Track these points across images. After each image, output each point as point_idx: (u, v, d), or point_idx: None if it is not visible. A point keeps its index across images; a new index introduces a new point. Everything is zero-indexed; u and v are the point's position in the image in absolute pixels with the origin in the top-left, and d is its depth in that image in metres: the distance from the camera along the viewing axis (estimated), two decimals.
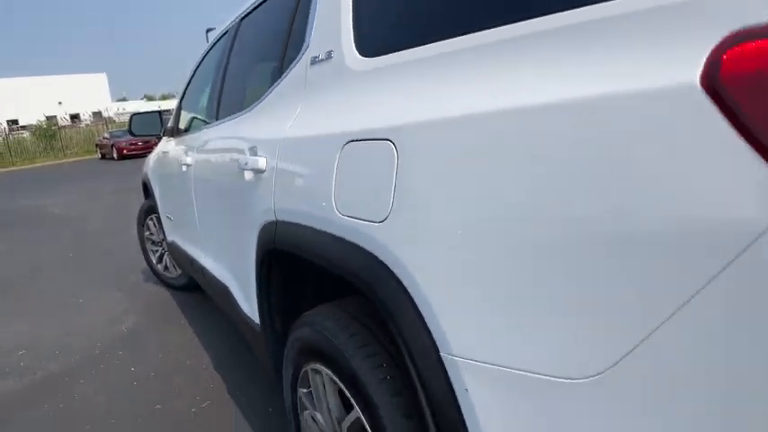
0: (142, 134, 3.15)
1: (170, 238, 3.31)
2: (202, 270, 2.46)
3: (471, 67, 0.79)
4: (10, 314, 3.78)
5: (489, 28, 0.77)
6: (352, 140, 0.99)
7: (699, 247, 0.51)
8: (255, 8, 1.96)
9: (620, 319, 0.58)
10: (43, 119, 29.03)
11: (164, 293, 3.88)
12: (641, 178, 0.55)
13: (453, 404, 0.78)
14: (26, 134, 26.90)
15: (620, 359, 0.58)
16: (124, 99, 67.91)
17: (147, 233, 4.06)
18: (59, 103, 46.33)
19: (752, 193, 0.48)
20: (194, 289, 3.61)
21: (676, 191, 0.53)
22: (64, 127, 28.93)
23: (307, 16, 1.40)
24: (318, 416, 1.33)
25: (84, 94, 49.11)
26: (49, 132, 25.97)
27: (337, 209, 1.02)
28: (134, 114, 3.12)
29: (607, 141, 0.58)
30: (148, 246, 4.09)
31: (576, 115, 0.61)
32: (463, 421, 0.77)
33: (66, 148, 25.76)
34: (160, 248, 3.96)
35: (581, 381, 0.62)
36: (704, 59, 0.51)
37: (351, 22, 1.18)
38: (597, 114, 0.59)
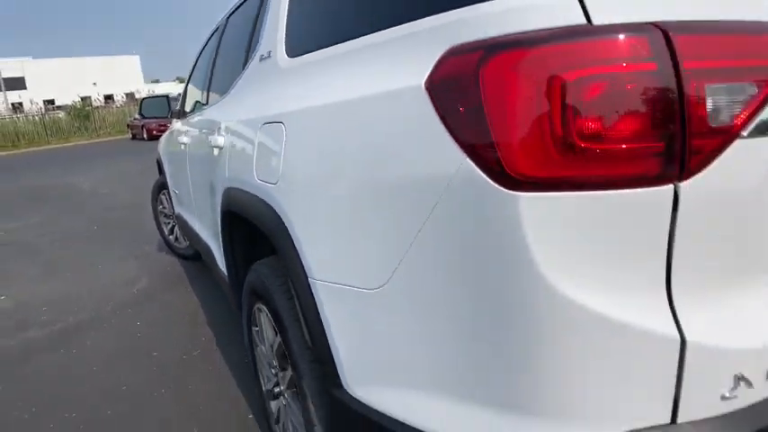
0: (151, 116, 3.50)
1: (177, 210, 3.67)
2: (196, 235, 2.80)
3: (329, 69, 1.09)
4: (37, 277, 4.22)
5: (336, 44, 1.07)
6: (266, 122, 1.30)
7: (423, 192, 0.79)
8: (236, 9, 2.27)
9: (389, 246, 0.87)
10: (78, 99, 30.04)
11: (173, 262, 4.26)
12: (398, 146, 0.83)
13: (317, 315, 1.08)
14: (61, 114, 27.80)
15: (392, 275, 0.87)
16: (157, 81, 69.18)
17: (160, 207, 4.44)
18: (94, 84, 47.73)
19: (445, 155, 0.75)
20: (200, 258, 3.97)
21: (415, 154, 0.81)
22: (97, 107, 29.84)
23: (262, 22, 1.69)
24: (263, 348, 1.65)
25: (117, 76, 50.42)
26: (83, 113, 26.86)
27: (256, 175, 1.32)
28: (144, 98, 3.47)
29: (380, 121, 0.87)
30: (161, 218, 4.47)
31: (360, 106, 0.90)
32: (323, 328, 1.07)
33: (100, 128, 26.63)
34: (171, 221, 4.33)
35: (374, 290, 0.91)
36: (430, 69, 0.78)
37: (284, 29, 1.46)
38: (373, 105, 0.88)
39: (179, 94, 3.69)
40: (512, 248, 0.69)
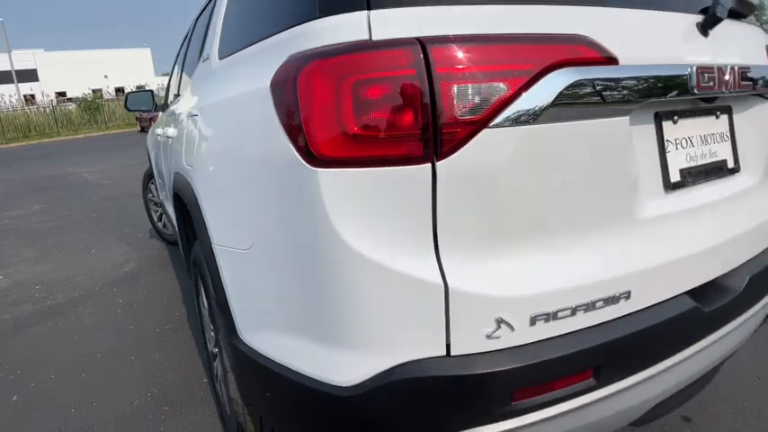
0: (136, 109, 3.75)
1: (161, 197, 3.92)
2: (171, 218, 3.04)
3: (229, 71, 1.32)
4: (35, 259, 4.50)
5: (239, 50, 1.29)
6: (191, 115, 1.54)
7: (267, 170, 1.02)
8: (200, 14, 2.50)
9: (251, 213, 1.10)
10: (89, 92, 30.51)
11: (161, 247, 4.52)
12: (256, 134, 1.06)
13: (218, 274, 1.31)
14: (72, 106, 28.24)
15: (255, 238, 1.10)
16: (168, 74, 69.61)
17: (150, 195, 4.70)
18: (105, 76, 48.32)
19: (280, 141, 0.95)
20: None
21: (264, 140, 1.02)
22: (108, 100, 30.26)
23: (209, 28, 1.93)
24: (204, 312, 1.89)
25: (129, 69, 50.92)
26: (93, 105, 27.32)
27: (185, 160, 1.56)
28: (129, 93, 3.71)
29: (246, 114, 1.10)
30: (151, 206, 4.73)
31: (236, 101, 1.14)
32: (222, 285, 1.30)
33: (109, 120, 27.06)
34: (159, 209, 4.59)
35: (246, 250, 1.14)
36: (273, 73, 1.00)
37: (219, 35, 1.69)
38: (243, 101, 1.12)
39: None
40: (316, 214, 0.90)
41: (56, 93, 40.06)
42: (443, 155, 0.87)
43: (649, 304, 1.06)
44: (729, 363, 2.22)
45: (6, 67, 37.10)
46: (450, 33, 0.88)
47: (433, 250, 0.90)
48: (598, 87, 0.94)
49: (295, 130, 0.92)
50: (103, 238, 5.05)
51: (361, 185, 0.88)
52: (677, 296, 1.12)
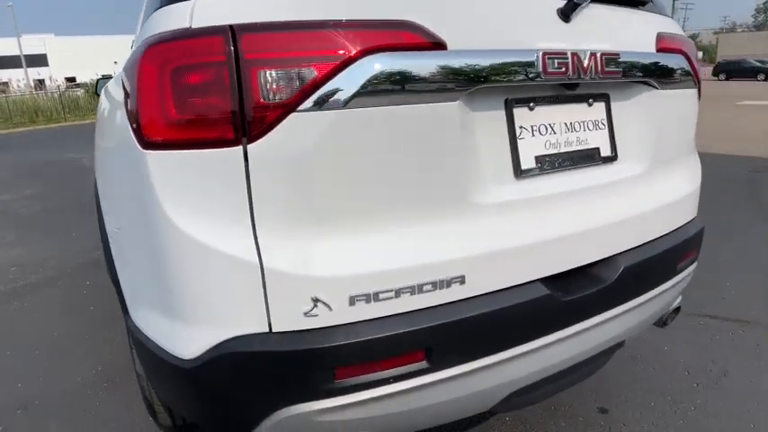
0: None
1: None
2: None
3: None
4: (15, 242, 4.61)
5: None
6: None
7: (120, 153, 1.07)
8: None
9: (118, 199, 1.15)
10: (99, 77, 30.59)
11: None
12: (114, 117, 1.11)
13: (110, 256, 1.36)
14: (80, 92, 28.37)
15: (122, 220, 1.15)
16: None
17: None
18: (115, 62, 48.46)
19: (126, 125, 1.00)
20: None
21: (119, 124, 1.07)
22: None
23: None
24: None
25: None
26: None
27: (95, 145, 1.63)
28: (99, 78, 3.75)
29: (113, 97, 1.16)
30: None
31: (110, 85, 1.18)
32: (114, 266, 1.35)
33: None
34: None
35: (119, 230, 1.20)
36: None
37: (139, 25, 1.74)
38: (113, 85, 1.16)
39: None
40: (148, 194, 0.94)
41: (65, 78, 40.36)
42: (253, 138, 0.90)
43: (490, 290, 1.07)
44: (661, 356, 2.25)
45: (16, 52, 37.36)
46: (264, 20, 0.90)
47: (251, 230, 0.93)
48: (415, 73, 0.95)
49: (132, 114, 0.96)
50: (86, 222, 5.13)
51: (184, 167, 0.92)
52: (527, 283, 1.12)
